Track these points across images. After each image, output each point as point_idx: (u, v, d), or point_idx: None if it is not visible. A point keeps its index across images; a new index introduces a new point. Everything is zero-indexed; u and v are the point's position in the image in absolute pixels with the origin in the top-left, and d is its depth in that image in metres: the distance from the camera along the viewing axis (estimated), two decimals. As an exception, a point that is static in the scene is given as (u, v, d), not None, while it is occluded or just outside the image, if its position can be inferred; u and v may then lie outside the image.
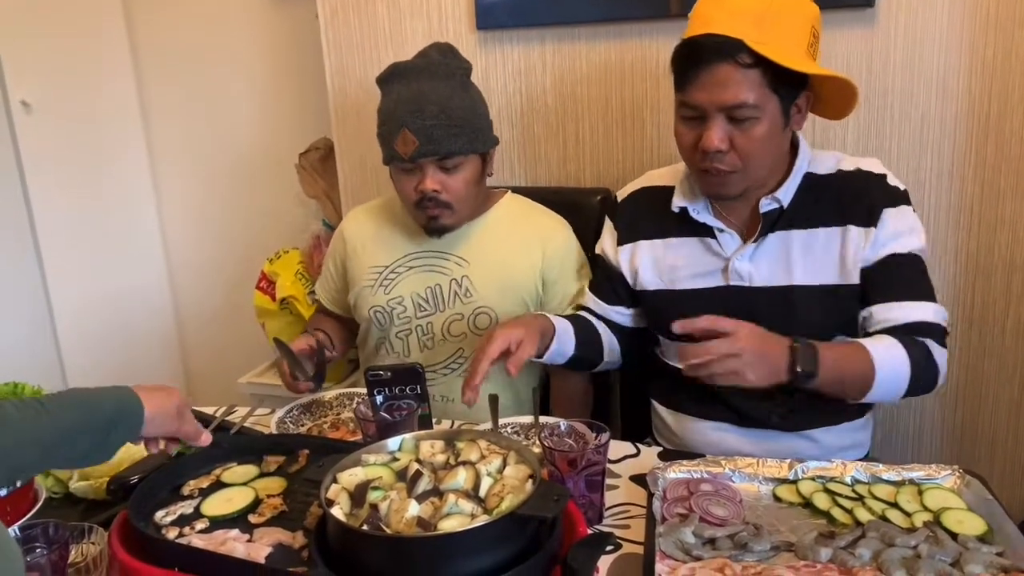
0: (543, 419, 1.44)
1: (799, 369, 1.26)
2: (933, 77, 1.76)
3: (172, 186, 3.00)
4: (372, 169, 2.28)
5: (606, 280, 1.62)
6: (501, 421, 1.44)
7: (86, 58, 2.71)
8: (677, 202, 1.49)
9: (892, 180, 1.43)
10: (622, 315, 1.62)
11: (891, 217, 1.39)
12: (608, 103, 2.01)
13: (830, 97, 1.42)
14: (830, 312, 1.43)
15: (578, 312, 1.64)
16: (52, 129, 2.60)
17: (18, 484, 1.16)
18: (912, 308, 1.38)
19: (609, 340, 1.62)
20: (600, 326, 1.61)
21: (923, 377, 1.35)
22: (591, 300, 1.63)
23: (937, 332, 1.39)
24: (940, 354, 1.38)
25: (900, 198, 1.42)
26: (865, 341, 1.36)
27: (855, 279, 1.41)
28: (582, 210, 1.86)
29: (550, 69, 2.05)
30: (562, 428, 1.22)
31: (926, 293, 1.41)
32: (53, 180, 2.63)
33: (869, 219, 1.39)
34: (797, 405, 1.43)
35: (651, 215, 1.55)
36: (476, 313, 1.68)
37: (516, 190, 1.83)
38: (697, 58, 1.32)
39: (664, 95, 1.94)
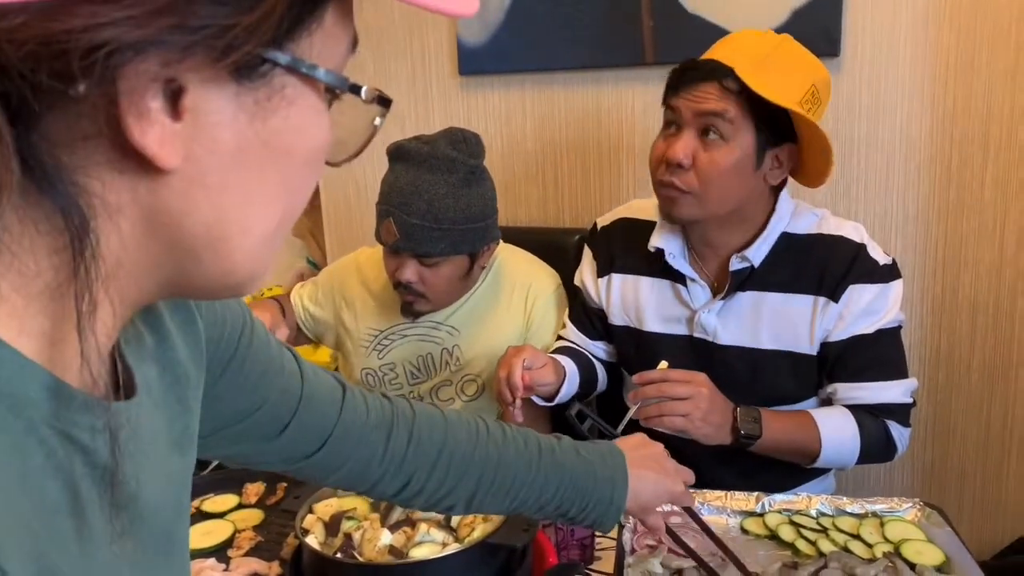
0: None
1: (742, 431, 1.30)
2: (897, 124, 1.83)
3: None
4: (356, 208, 2.33)
5: (584, 313, 1.62)
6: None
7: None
8: (655, 242, 1.46)
9: (872, 252, 1.38)
10: (601, 349, 1.63)
11: (857, 295, 1.36)
12: (586, 147, 2.07)
13: (810, 160, 1.38)
14: (799, 379, 1.43)
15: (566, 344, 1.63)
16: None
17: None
18: (876, 390, 1.38)
19: (600, 369, 1.62)
20: (591, 358, 1.62)
21: (875, 453, 1.39)
22: (572, 332, 1.62)
23: (900, 411, 1.39)
24: (900, 433, 1.39)
25: (876, 274, 1.37)
26: (817, 412, 1.38)
27: (816, 350, 1.40)
28: (561, 249, 1.89)
29: (530, 114, 2.11)
30: None
31: (892, 371, 1.39)
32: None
33: (833, 293, 1.36)
34: (753, 469, 1.41)
35: (627, 249, 1.53)
36: (464, 380, 1.68)
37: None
38: (687, 75, 1.34)
39: (639, 139, 2.00)
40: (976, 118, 1.77)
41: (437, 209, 1.48)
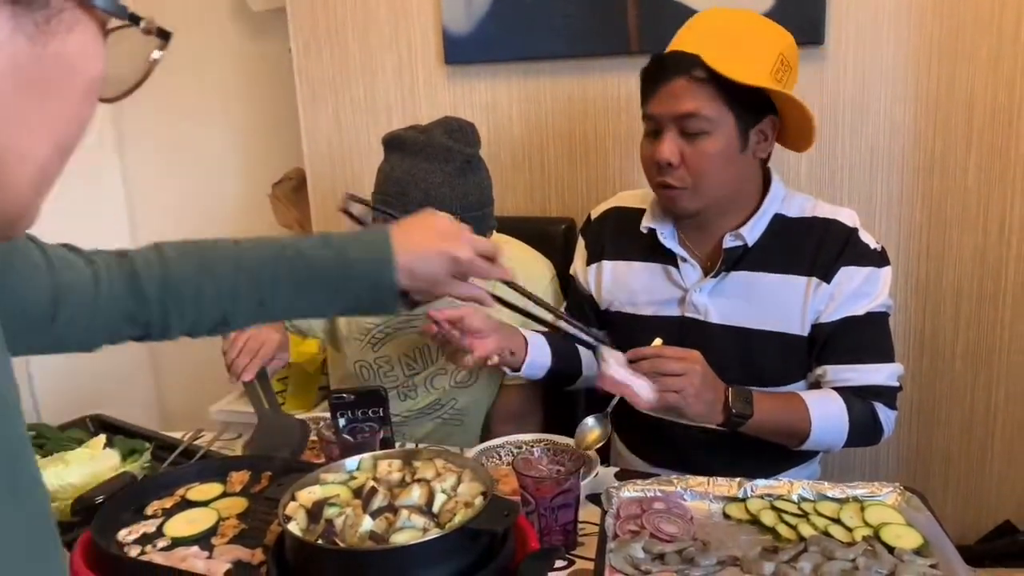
0: (519, 440, 1.48)
1: (733, 411, 1.31)
2: (881, 111, 1.84)
3: (146, 215, 3.03)
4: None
5: (577, 302, 1.64)
6: (501, 441, 1.49)
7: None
8: (646, 223, 1.49)
9: (864, 237, 1.41)
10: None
11: (848, 277, 1.39)
12: (572, 135, 2.08)
13: (792, 125, 1.41)
14: (789, 361, 1.44)
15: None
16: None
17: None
18: (865, 372, 1.40)
19: (586, 354, 1.62)
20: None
21: (862, 435, 1.40)
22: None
23: (888, 394, 1.41)
24: (887, 415, 1.41)
25: (867, 257, 1.40)
26: (806, 394, 1.39)
27: (807, 331, 1.42)
28: (547, 238, 1.90)
29: (516, 102, 2.11)
30: (536, 453, 1.25)
31: (881, 354, 1.42)
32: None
33: (825, 274, 1.39)
34: (739, 455, 1.42)
35: (617, 236, 1.56)
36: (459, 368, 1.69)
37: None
38: (656, 73, 1.37)
39: (625, 128, 2.01)
40: (960, 104, 1.77)
41: (434, 198, 1.49)
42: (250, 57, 2.72)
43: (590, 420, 1.35)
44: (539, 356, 1.53)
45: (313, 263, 0.93)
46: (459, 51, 2.10)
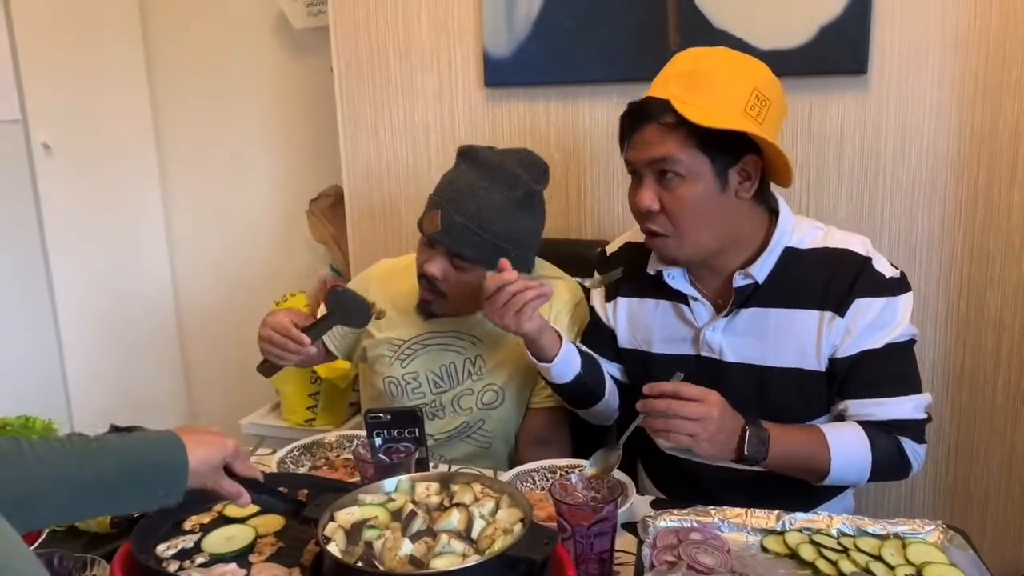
0: (553, 465, 1.48)
1: (746, 452, 1.29)
2: (924, 142, 1.82)
3: (184, 228, 3.07)
4: (380, 216, 2.35)
5: (596, 334, 1.62)
6: (535, 465, 1.49)
7: (106, 103, 2.80)
8: (653, 265, 1.48)
9: (878, 265, 1.37)
10: (613, 368, 1.62)
11: (863, 309, 1.35)
12: (610, 159, 2.08)
13: (773, 162, 1.37)
14: (807, 396, 1.41)
15: None
16: (70, 171, 2.67)
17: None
18: (888, 405, 1.36)
19: (609, 376, 1.60)
20: (601, 365, 1.60)
21: (888, 471, 1.37)
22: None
23: (914, 427, 1.37)
24: (915, 450, 1.38)
25: (882, 287, 1.36)
26: (828, 429, 1.36)
27: (824, 366, 1.39)
28: (582, 261, 1.89)
29: (554, 125, 2.11)
30: (573, 479, 1.25)
31: (905, 386, 1.38)
32: (69, 221, 2.70)
33: (839, 307, 1.35)
34: (767, 494, 1.36)
35: (632, 272, 1.53)
36: (485, 389, 1.69)
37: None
38: (630, 121, 1.38)
39: (664, 153, 2.00)
40: (1005, 138, 1.76)
41: (485, 216, 1.51)
42: (291, 74, 2.75)
43: (593, 459, 1.31)
44: (571, 356, 1.49)
45: (124, 447, 0.99)
46: (499, 73, 2.11)
